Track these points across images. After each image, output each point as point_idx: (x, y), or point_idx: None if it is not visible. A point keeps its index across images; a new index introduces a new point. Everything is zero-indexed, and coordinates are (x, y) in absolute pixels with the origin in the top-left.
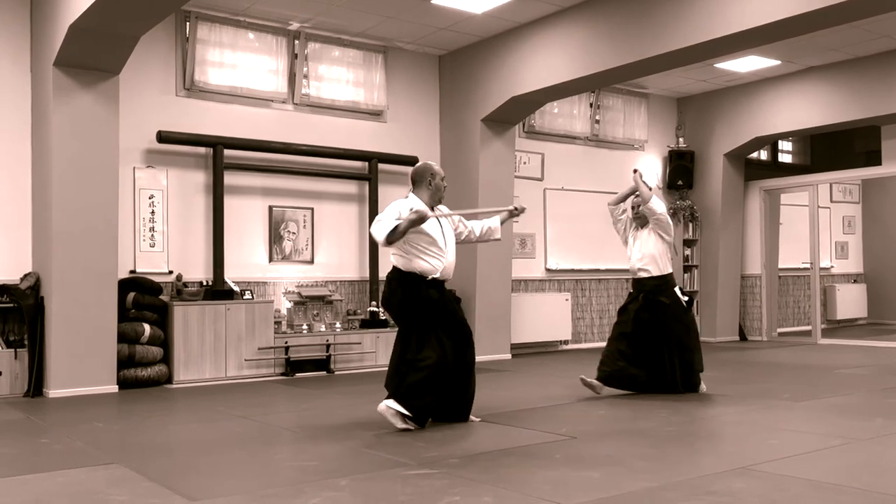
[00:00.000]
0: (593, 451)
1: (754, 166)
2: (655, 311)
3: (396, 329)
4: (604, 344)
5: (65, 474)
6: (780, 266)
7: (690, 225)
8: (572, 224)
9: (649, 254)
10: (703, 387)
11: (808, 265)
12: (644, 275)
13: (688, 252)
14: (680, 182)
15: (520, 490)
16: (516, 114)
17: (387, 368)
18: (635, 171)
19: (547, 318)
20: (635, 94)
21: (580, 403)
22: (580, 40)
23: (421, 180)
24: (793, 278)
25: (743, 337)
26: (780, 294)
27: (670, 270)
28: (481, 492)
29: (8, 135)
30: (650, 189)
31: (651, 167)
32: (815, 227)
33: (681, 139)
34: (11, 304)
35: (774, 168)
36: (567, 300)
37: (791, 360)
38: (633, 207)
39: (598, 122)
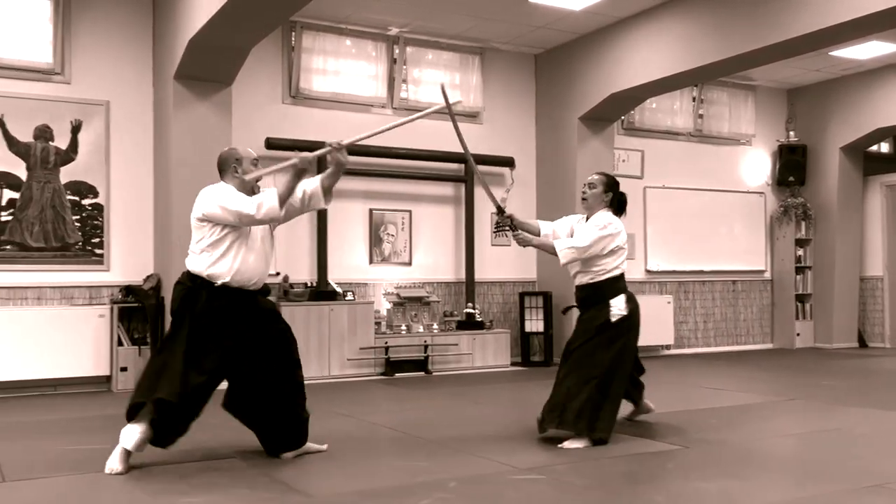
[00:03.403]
0: (707, 462)
1: (875, 160)
2: (587, 331)
3: (487, 331)
4: (709, 349)
5: (188, 466)
6: None
7: (803, 224)
8: (674, 223)
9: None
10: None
11: None
12: (577, 280)
13: (800, 252)
14: (791, 178)
15: (633, 501)
16: (615, 111)
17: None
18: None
19: (647, 322)
20: (741, 86)
21: (689, 412)
22: (683, 33)
23: (226, 167)
24: None
25: (863, 343)
26: None
27: (609, 276)
28: (592, 500)
29: (132, 144)
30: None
31: (760, 161)
32: None
33: (791, 133)
34: (136, 304)
35: None
36: (669, 303)
37: None
38: (582, 194)
39: (701, 116)
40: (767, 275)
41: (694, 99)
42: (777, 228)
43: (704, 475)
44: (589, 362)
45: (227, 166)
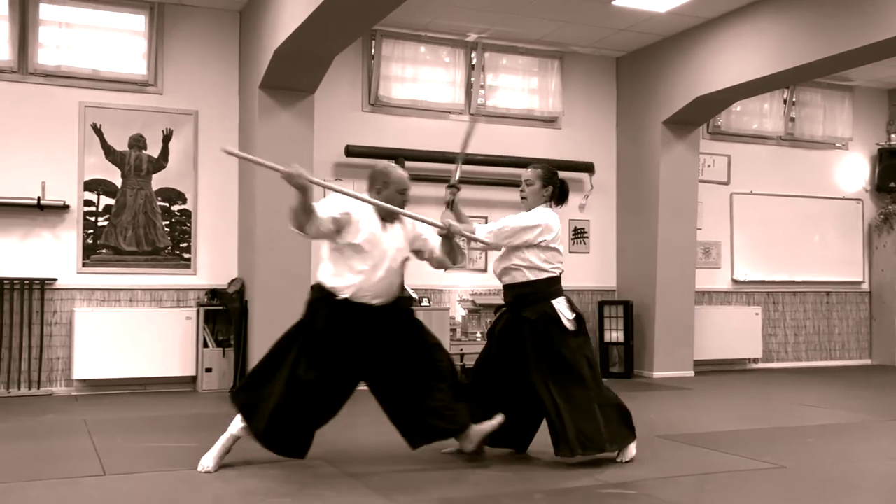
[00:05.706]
0: (806, 483)
1: None
2: (519, 334)
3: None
4: (800, 364)
5: (274, 466)
6: None
7: None
8: (762, 231)
9: (513, 252)
10: (627, 453)
11: None
12: (507, 280)
13: None
14: (892, 184)
15: None
16: (701, 114)
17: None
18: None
19: (734, 334)
20: (838, 87)
21: (781, 429)
22: (776, 33)
23: (371, 185)
24: None
25: None
26: None
27: (545, 276)
28: None
29: (219, 151)
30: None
31: (857, 166)
32: None
33: (893, 136)
34: (220, 307)
35: None
36: (757, 314)
37: None
38: (521, 192)
39: (792, 119)
40: (865, 286)
41: (785, 101)
42: (877, 237)
43: (806, 497)
44: (561, 376)
45: (372, 184)
